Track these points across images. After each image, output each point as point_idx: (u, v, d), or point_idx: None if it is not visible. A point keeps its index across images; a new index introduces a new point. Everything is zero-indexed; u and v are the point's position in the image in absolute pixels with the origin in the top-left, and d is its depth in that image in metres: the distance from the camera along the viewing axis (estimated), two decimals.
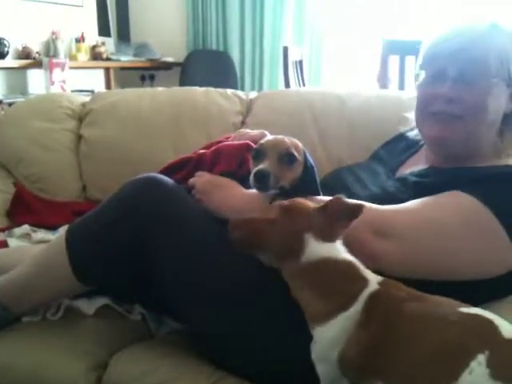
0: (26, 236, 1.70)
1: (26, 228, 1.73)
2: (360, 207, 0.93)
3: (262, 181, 1.12)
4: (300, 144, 1.21)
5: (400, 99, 1.83)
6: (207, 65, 4.68)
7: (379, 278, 0.90)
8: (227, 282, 1.15)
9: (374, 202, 1.12)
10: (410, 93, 1.86)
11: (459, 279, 1.06)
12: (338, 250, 0.92)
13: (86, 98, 2.22)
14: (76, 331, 1.30)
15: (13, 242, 1.63)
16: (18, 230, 1.72)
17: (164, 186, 1.24)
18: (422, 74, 1.25)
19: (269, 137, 1.23)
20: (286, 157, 1.14)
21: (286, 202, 0.95)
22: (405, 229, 1.07)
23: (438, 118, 1.21)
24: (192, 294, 1.17)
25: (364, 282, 0.89)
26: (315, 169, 1.23)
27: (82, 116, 2.12)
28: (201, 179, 1.30)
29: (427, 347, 0.79)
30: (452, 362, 0.76)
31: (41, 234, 1.71)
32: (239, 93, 2.04)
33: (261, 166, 1.13)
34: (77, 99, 2.21)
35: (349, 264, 0.91)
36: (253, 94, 2.03)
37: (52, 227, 1.81)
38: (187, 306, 1.18)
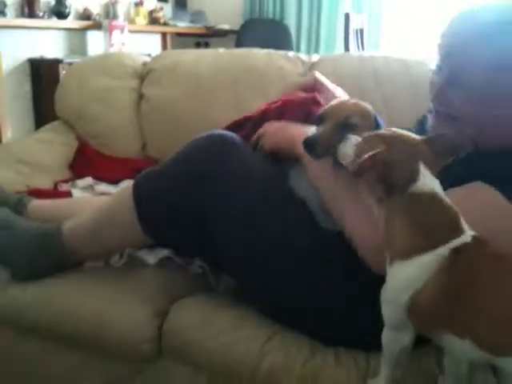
0: (89, 187, 1.75)
1: (88, 180, 1.78)
2: (465, 145, 0.90)
3: (308, 148, 1.09)
4: (369, 109, 1.16)
5: None
6: (262, 34, 4.64)
7: (474, 233, 0.86)
8: (285, 245, 1.15)
9: None
10: None
11: None
12: (442, 191, 0.88)
13: (148, 58, 2.23)
14: (138, 279, 1.33)
15: (77, 193, 1.68)
16: (80, 182, 1.77)
17: (232, 143, 1.24)
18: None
19: (334, 101, 1.19)
20: (345, 124, 1.10)
21: (386, 133, 0.90)
22: None
23: (435, 113, 1.13)
24: (249, 255, 1.17)
25: (459, 231, 0.85)
26: None
27: (143, 75, 2.13)
28: (269, 126, 1.29)
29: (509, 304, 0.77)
30: None
31: (103, 187, 1.75)
32: (301, 55, 2.01)
33: (311, 133, 1.10)
34: (139, 58, 2.22)
35: (453, 210, 0.87)
36: (315, 57, 2.00)
37: (113, 182, 1.85)
38: (243, 265, 1.19)
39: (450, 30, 1.09)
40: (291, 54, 2.02)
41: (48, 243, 1.29)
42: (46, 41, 3.67)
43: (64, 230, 1.31)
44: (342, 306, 1.10)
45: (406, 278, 0.85)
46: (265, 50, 2.06)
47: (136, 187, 1.26)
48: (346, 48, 3.08)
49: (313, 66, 1.94)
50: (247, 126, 1.40)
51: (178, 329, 1.18)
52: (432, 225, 0.85)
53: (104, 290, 1.29)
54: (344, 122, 1.10)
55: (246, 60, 2.04)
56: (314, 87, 1.41)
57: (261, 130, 1.30)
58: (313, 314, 1.13)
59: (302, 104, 1.31)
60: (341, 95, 1.41)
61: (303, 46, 4.68)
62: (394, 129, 0.93)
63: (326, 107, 1.16)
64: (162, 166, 1.27)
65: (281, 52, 2.04)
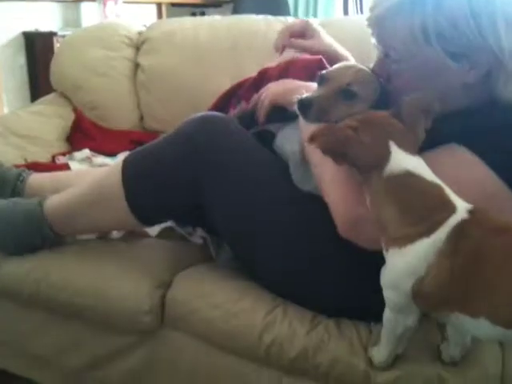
0: (87, 160, 1.72)
1: (86, 152, 1.75)
2: (430, 101, 0.87)
3: (302, 109, 1.04)
4: (374, 78, 1.07)
5: None
6: (259, 2, 4.55)
7: (468, 206, 0.82)
8: (279, 220, 1.13)
9: None
10: None
11: None
12: (423, 168, 0.84)
13: (143, 27, 2.18)
14: (139, 250, 1.32)
15: (74, 165, 1.65)
16: (78, 154, 1.75)
17: (225, 125, 1.20)
18: None
19: (340, 64, 1.12)
20: (344, 91, 1.04)
21: (362, 115, 0.88)
22: None
23: None
24: (245, 233, 1.16)
25: (451, 208, 0.81)
26: None
27: (139, 44, 2.09)
28: (272, 84, 1.24)
29: None
30: None
31: (100, 159, 1.72)
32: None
33: (308, 94, 1.05)
34: (133, 27, 2.18)
35: (436, 186, 0.83)
36: (314, 22, 1.94)
37: (110, 154, 1.82)
38: (240, 241, 1.18)
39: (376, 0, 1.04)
40: (290, 19, 1.98)
41: (31, 218, 1.26)
42: (39, 13, 3.60)
43: (47, 204, 1.27)
44: (341, 278, 1.09)
45: (405, 267, 0.82)
46: (262, 16, 2.03)
47: (125, 165, 1.21)
48: (345, 13, 3.02)
49: None
50: (246, 85, 1.38)
51: (180, 299, 1.17)
52: (418, 207, 0.82)
53: (104, 261, 1.27)
54: (344, 89, 1.04)
55: (244, 26, 2.00)
56: (306, 32, 1.34)
57: (263, 89, 1.25)
58: (311, 287, 1.12)
59: (307, 66, 1.26)
60: (334, 45, 1.35)
61: (301, 16, 4.59)
62: (374, 112, 0.90)
63: (331, 69, 1.10)
64: (152, 147, 1.22)
65: (279, 17, 2.00)
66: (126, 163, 1.21)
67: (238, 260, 1.27)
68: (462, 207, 0.81)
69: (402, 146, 0.84)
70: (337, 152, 0.85)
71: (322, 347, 1.04)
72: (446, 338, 0.98)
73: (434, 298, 0.81)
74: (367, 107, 1.03)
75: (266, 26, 1.95)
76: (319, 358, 1.03)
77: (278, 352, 1.06)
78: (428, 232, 0.80)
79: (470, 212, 0.81)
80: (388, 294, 0.87)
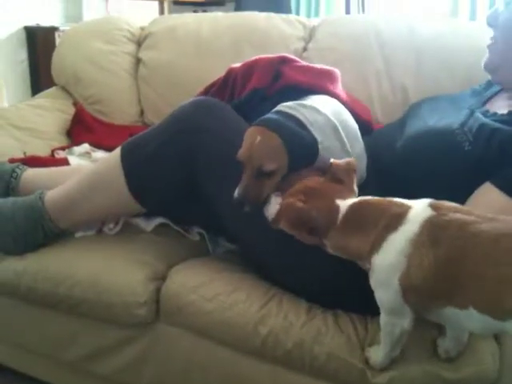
0: (86, 154, 1.71)
1: (85, 147, 1.74)
2: (350, 162, 0.99)
3: (240, 208, 1.06)
4: (278, 142, 1.04)
5: (472, 29, 1.74)
6: (262, 1, 4.54)
7: (426, 201, 0.86)
8: None
9: (426, 135, 1.14)
10: (482, 23, 1.76)
11: None
12: (365, 197, 0.93)
13: (145, 22, 2.18)
14: (134, 245, 1.31)
15: (73, 160, 1.64)
16: (77, 149, 1.74)
17: (218, 108, 1.24)
18: None
19: (246, 140, 1.08)
20: (259, 173, 1.05)
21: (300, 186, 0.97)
22: None
23: None
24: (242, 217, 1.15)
25: (403, 205, 0.87)
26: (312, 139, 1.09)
27: (140, 39, 2.09)
28: None
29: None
30: None
31: (100, 154, 1.72)
32: (302, 18, 1.97)
33: (236, 192, 1.05)
34: (135, 22, 2.17)
35: (381, 198, 0.91)
36: (316, 20, 1.95)
37: (110, 149, 1.81)
38: (238, 227, 1.19)
39: None
40: (292, 16, 1.98)
41: (31, 212, 1.26)
42: (41, 8, 3.59)
43: (47, 197, 1.28)
44: (339, 272, 1.07)
45: (386, 263, 0.84)
46: (264, 13, 2.02)
47: (124, 148, 1.24)
48: (347, 12, 3.01)
49: (314, 29, 1.90)
50: (217, 84, 1.45)
51: (176, 292, 1.17)
52: (371, 214, 0.88)
53: (99, 255, 1.27)
54: (259, 171, 1.05)
55: (246, 22, 2.00)
56: None
57: None
58: (310, 277, 1.12)
59: (270, 64, 1.30)
60: None
61: (302, 13, 4.58)
62: (308, 180, 0.98)
63: (240, 152, 1.07)
64: (150, 129, 1.26)
65: (281, 15, 2.00)
66: (123, 146, 1.25)
67: (234, 254, 1.29)
68: (419, 203, 0.86)
69: (342, 197, 0.94)
70: (302, 224, 0.93)
71: (319, 339, 1.04)
72: (443, 332, 0.98)
73: (422, 291, 0.82)
74: (286, 165, 1.06)
75: (267, 22, 1.94)
76: (316, 350, 1.03)
77: (275, 343, 1.06)
78: (391, 226, 0.84)
79: (433, 207, 0.84)
80: (379, 294, 0.89)
